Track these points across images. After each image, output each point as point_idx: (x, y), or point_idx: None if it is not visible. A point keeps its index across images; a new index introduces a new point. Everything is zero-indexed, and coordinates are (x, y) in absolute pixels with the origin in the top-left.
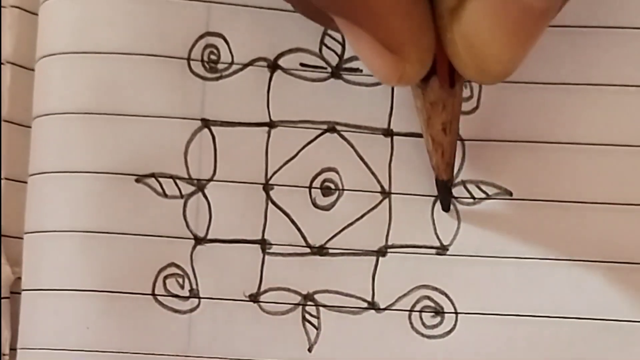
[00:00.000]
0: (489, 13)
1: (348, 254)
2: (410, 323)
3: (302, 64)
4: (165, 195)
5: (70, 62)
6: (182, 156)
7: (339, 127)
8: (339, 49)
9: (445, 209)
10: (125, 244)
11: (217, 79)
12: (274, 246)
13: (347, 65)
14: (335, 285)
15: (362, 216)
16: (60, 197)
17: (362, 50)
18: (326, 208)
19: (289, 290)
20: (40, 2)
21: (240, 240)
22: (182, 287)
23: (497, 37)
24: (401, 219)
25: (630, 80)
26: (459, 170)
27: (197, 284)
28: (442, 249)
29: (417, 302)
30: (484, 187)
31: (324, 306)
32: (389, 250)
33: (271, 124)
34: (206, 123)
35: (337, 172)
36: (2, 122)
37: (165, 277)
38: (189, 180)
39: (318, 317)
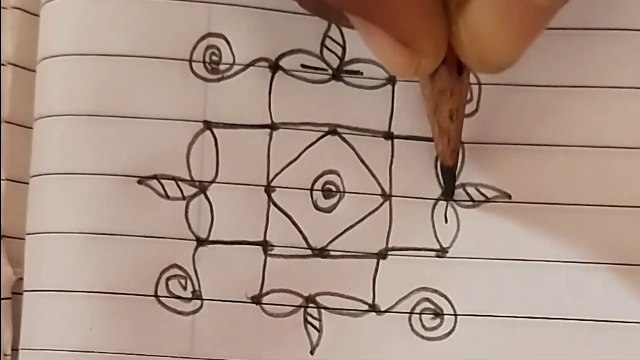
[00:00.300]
0: (493, 8)
1: (349, 256)
2: (410, 325)
3: (303, 65)
4: (168, 197)
5: (72, 63)
6: (184, 158)
7: (340, 130)
8: (339, 51)
9: (450, 195)
10: (128, 245)
11: (219, 80)
12: (275, 248)
13: (348, 67)
14: (336, 287)
15: (363, 218)
16: (62, 198)
17: (376, 46)
18: (327, 210)
19: (290, 292)
20: (42, 3)
21: (242, 241)
22: (185, 288)
23: (500, 30)
24: (401, 222)
25: (629, 83)
26: (459, 173)
27: (199, 286)
28: (441, 252)
29: (417, 304)
30: (483, 190)
31: (326, 308)
32: (389, 252)
33: (273, 126)
34: (208, 125)
35: (339, 175)
36: (3, 123)
37: (168, 279)
38: (191, 182)
39: (320, 319)
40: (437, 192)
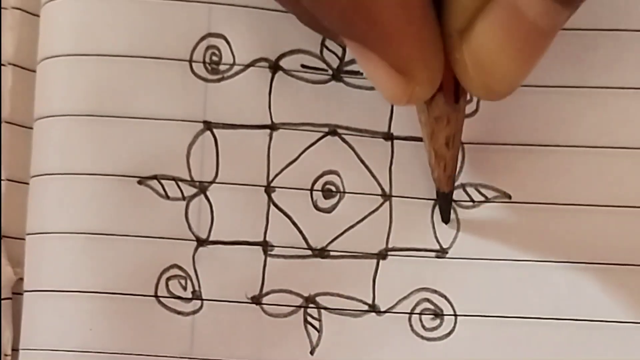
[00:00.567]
0: (497, 34)
1: (349, 257)
2: (410, 325)
3: (303, 66)
4: (168, 197)
5: (72, 64)
6: (184, 158)
7: (340, 130)
8: (339, 51)
9: (446, 220)
10: (128, 245)
11: (219, 80)
12: (275, 248)
13: (348, 67)
14: (336, 287)
15: (363, 219)
16: (62, 198)
17: (371, 71)
18: (327, 210)
19: (290, 292)
20: (42, 3)
21: (242, 242)
22: (185, 288)
23: (505, 56)
24: (401, 222)
25: (629, 83)
26: (458, 173)
27: (199, 286)
28: (441, 252)
29: (417, 304)
30: (483, 191)
31: (326, 308)
32: (389, 253)
33: (273, 127)
34: (208, 125)
35: (339, 175)
36: (4, 124)
37: (168, 279)
38: (191, 182)
39: (320, 320)
40: None
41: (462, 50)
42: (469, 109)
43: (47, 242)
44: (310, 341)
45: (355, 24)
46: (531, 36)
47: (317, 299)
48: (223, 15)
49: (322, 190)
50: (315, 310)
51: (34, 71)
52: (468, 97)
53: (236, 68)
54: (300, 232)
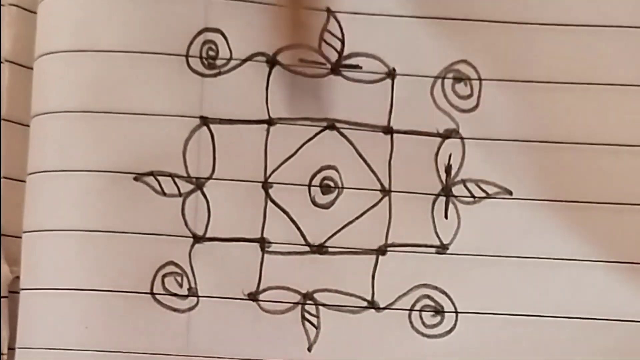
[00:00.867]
0: None
1: (348, 253)
2: (410, 322)
3: (301, 60)
4: (164, 194)
5: (69, 60)
6: (180, 154)
7: (338, 125)
8: (338, 45)
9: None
10: (124, 242)
11: (216, 75)
12: (273, 245)
13: (347, 61)
14: (334, 284)
15: (362, 214)
16: (59, 195)
17: None
18: (326, 206)
19: (288, 289)
20: (39, 0)
21: (239, 238)
22: (181, 285)
23: None
24: (401, 218)
25: (630, 80)
26: (459, 169)
27: (195, 283)
28: (442, 248)
29: (417, 301)
30: (484, 186)
31: (324, 305)
32: (388, 249)
33: (270, 121)
34: (205, 121)
35: (337, 170)
36: (1, 121)
37: (164, 276)
38: (188, 178)
39: (318, 316)
40: (438, 187)
41: None
42: (470, 104)
43: (44, 239)
44: (308, 338)
45: None
46: None
47: (315, 295)
48: (220, 10)
49: (321, 186)
50: (313, 307)
51: (31, 68)
52: (467, 89)
53: (233, 63)
54: (298, 228)
